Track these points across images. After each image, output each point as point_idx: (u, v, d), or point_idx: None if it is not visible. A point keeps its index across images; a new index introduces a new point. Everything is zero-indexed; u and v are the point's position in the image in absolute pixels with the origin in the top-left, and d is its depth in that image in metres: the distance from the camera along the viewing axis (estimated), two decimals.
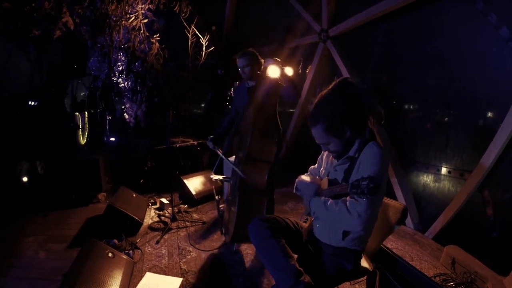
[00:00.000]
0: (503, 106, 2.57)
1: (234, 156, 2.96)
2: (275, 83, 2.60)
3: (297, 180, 1.80)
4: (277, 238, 1.57)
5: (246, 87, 2.92)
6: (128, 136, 6.02)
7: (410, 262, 2.65)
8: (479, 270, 2.35)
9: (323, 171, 1.77)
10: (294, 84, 2.61)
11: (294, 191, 1.83)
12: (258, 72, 2.79)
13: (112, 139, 5.98)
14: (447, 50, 3.11)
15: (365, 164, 1.45)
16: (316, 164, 1.92)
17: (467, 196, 2.82)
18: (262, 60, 2.77)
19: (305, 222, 1.87)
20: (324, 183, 1.65)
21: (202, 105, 7.49)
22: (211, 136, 3.02)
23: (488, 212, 2.75)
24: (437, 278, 2.44)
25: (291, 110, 5.78)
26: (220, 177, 2.88)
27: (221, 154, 2.83)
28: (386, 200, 1.83)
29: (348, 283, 2.27)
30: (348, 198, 1.45)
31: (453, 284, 2.35)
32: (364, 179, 1.28)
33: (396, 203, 1.78)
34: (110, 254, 2.28)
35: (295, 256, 1.62)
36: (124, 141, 5.90)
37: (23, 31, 4.25)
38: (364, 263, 1.79)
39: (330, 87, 1.59)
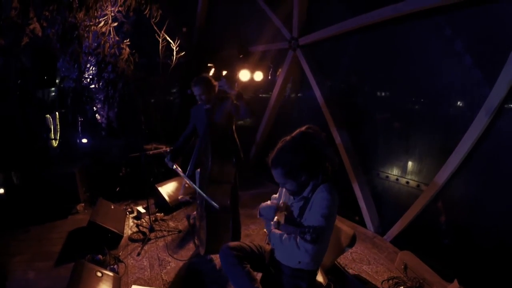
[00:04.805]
0: (460, 130, 2.88)
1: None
2: (231, 102, 2.83)
3: (260, 206, 2.15)
4: (242, 265, 1.93)
5: (203, 108, 3.06)
6: (101, 137, 6.08)
7: (368, 266, 3.10)
8: (427, 276, 2.72)
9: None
10: (246, 102, 2.76)
11: (258, 216, 2.18)
12: (214, 94, 2.98)
13: (85, 140, 6.02)
14: (414, 68, 3.38)
15: (316, 207, 1.78)
16: (277, 194, 2.25)
17: (422, 206, 3.19)
18: (216, 83, 2.98)
19: (268, 244, 2.22)
20: (281, 217, 1.99)
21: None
22: (168, 156, 3.15)
23: (441, 221, 3.15)
24: (390, 281, 2.83)
25: (265, 95, 6.02)
26: (187, 197, 3.15)
27: (183, 175, 3.05)
28: (339, 224, 2.20)
29: None
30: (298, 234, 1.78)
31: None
32: (310, 228, 1.62)
33: (347, 229, 2.16)
34: (98, 274, 2.55)
35: (260, 274, 1.99)
36: (97, 143, 5.95)
37: None
38: (319, 277, 2.16)
39: (292, 135, 1.88)
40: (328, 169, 1.85)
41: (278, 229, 1.93)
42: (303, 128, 1.89)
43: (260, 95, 6.18)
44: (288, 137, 1.88)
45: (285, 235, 1.85)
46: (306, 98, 5.02)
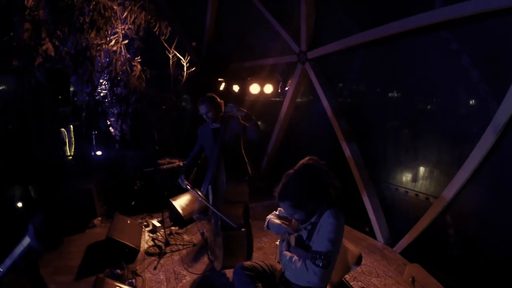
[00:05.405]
0: (466, 145, 2.94)
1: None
2: (238, 121, 2.88)
3: (268, 221, 2.25)
4: (255, 284, 2.06)
5: (210, 128, 3.11)
6: (115, 150, 6.24)
7: (376, 279, 3.15)
8: None
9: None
10: (255, 123, 2.80)
11: (265, 228, 2.28)
12: (221, 114, 3.04)
13: (99, 153, 6.18)
14: (421, 81, 3.44)
15: (323, 232, 1.87)
16: None
17: (431, 219, 3.23)
18: (222, 102, 3.06)
19: (279, 262, 2.31)
20: (293, 239, 2.09)
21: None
22: (182, 176, 3.13)
23: (450, 233, 3.20)
24: None
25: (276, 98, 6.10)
26: (202, 215, 3.24)
27: (196, 194, 3.05)
28: (346, 244, 2.28)
29: None
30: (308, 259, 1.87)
31: None
32: (321, 254, 1.73)
33: (354, 249, 2.23)
34: None
35: None
36: (111, 155, 6.10)
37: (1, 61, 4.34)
38: None
39: (295, 168, 1.98)
40: (331, 195, 1.95)
41: (289, 251, 2.05)
42: (305, 161, 2.00)
43: (271, 99, 6.25)
44: (291, 171, 1.99)
45: (295, 256, 1.94)
46: (316, 109, 5.08)
